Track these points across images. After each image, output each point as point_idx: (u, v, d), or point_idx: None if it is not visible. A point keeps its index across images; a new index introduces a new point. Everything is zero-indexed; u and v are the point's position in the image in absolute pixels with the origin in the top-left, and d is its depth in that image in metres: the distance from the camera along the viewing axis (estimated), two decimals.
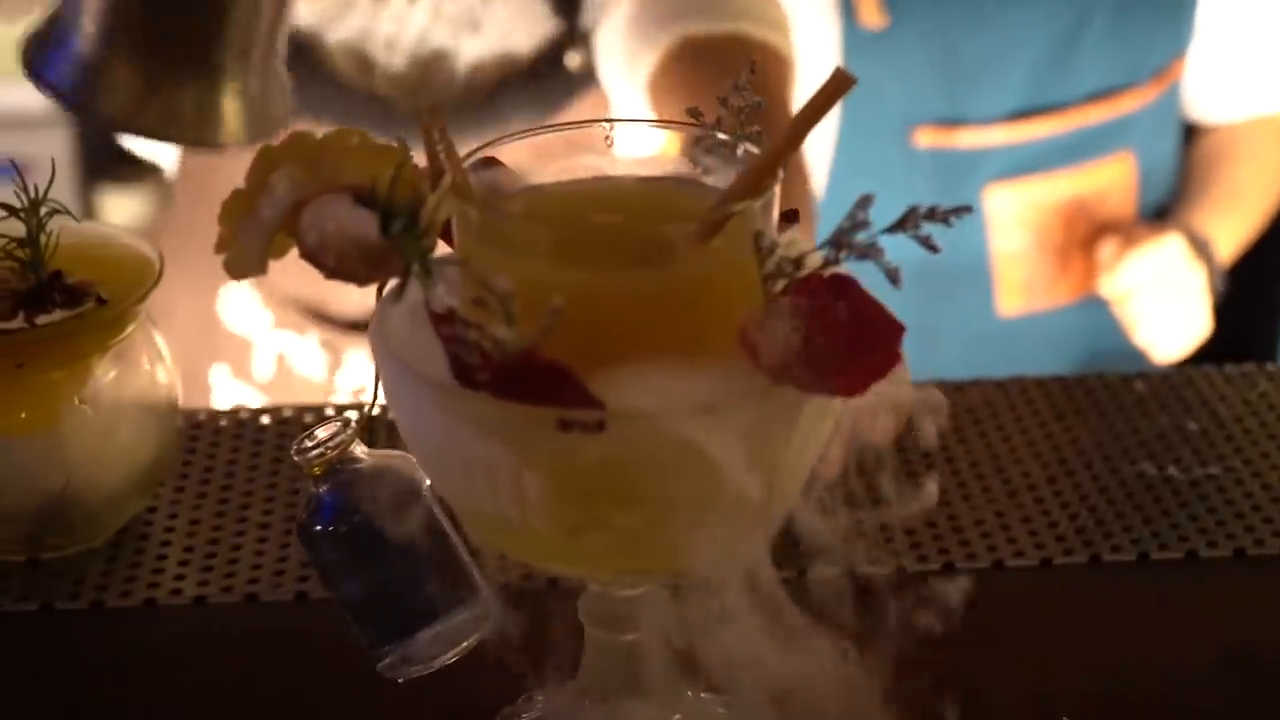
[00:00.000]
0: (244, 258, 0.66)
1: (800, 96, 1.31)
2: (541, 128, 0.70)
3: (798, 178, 1.27)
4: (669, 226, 0.64)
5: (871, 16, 1.63)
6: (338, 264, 0.64)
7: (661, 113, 1.28)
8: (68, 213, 0.88)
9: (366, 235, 0.63)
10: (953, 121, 1.66)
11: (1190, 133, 1.82)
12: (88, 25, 0.92)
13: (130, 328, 0.89)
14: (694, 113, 0.70)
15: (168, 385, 0.92)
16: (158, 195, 2.89)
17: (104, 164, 2.94)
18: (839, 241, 0.63)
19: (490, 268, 0.62)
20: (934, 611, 0.83)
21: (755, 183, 0.64)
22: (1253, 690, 0.82)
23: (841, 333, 0.62)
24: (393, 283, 0.66)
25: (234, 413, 1.03)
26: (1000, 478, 0.96)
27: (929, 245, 0.64)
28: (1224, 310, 1.72)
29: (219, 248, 0.66)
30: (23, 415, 0.88)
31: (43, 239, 0.87)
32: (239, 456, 0.99)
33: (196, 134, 0.94)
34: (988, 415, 1.02)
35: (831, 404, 0.64)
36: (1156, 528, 0.92)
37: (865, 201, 0.63)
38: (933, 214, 0.63)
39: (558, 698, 0.76)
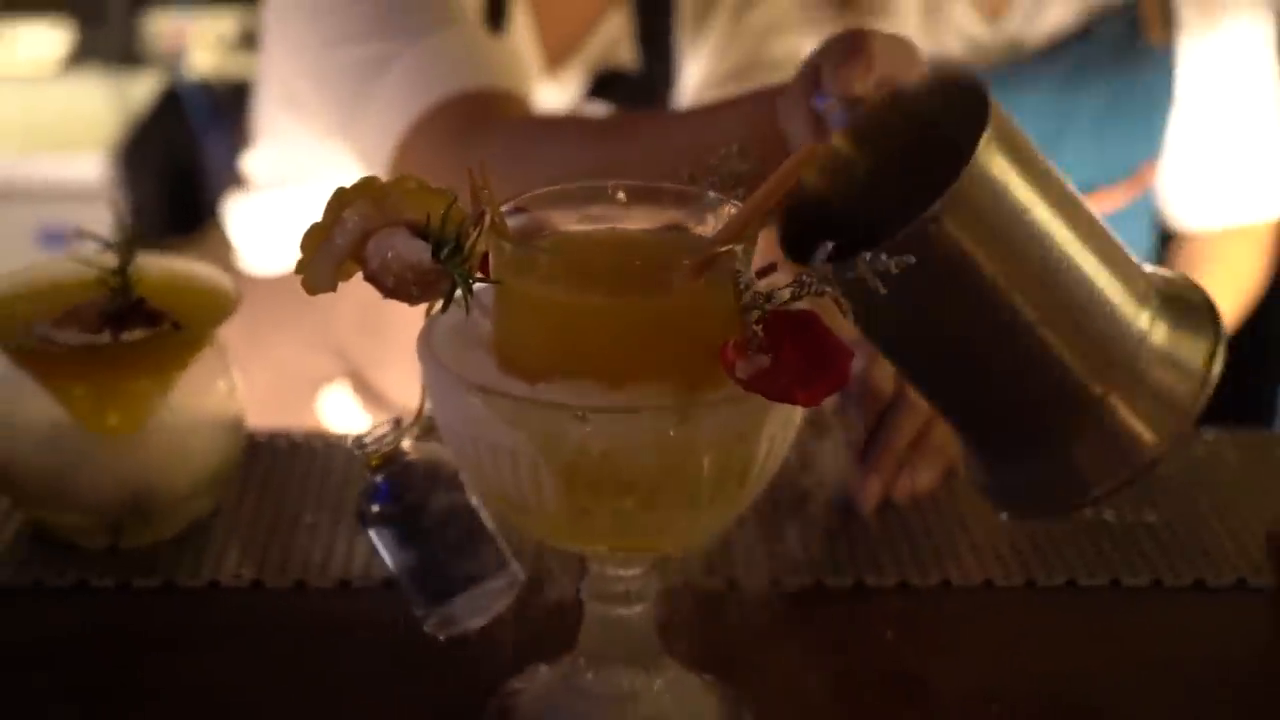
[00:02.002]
0: (318, 277, 0.80)
1: None
2: (568, 186, 0.84)
3: None
4: (668, 263, 0.79)
5: None
6: (395, 284, 0.79)
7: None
8: (156, 250, 1.03)
9: (421, 260, 0.77)
10: None
11: (1167, 239, 1.97)
12: None
13: (205, 350, 1.04)
14: (691, 178, 0.84)
15: (235, 403, 1.06)
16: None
17: (147, 237, 3.10)
18: (801, 282, 0.77)
19: (522, 293, 0.77)
20: (889, 621, 0.97)
21: (736, 232, 0.78)
22: (1165, 698, 0.94)
23: (802, 356, 0.76)
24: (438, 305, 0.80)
25: (287, 435, 1.18)
26: (954, 511, 1.10)
27: (877, 286, 0.78)
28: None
29: (298, 269, 0.81)
30: (112, 419, 1.02)
31: (132, 269, 1.02)
32: (292, 469, 1.13)
33: None
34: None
35: (793, 411, 0.78)
36: (1086, 559, 1.06)
37: (824, 250, 0.78)
38: (875, 260, 0.77)
39: (559, 668, 0.90)
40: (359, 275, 0.81)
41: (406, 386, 1.48)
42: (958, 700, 0.93)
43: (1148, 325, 0.86)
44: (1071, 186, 0.88)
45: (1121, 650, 0.99)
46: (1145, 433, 0.85)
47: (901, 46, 0.93)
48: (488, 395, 0.77)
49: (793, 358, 0.76)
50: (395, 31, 1.37)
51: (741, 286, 0.78)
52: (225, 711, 0.91)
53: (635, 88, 1.57)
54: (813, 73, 0.93)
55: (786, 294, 0.78)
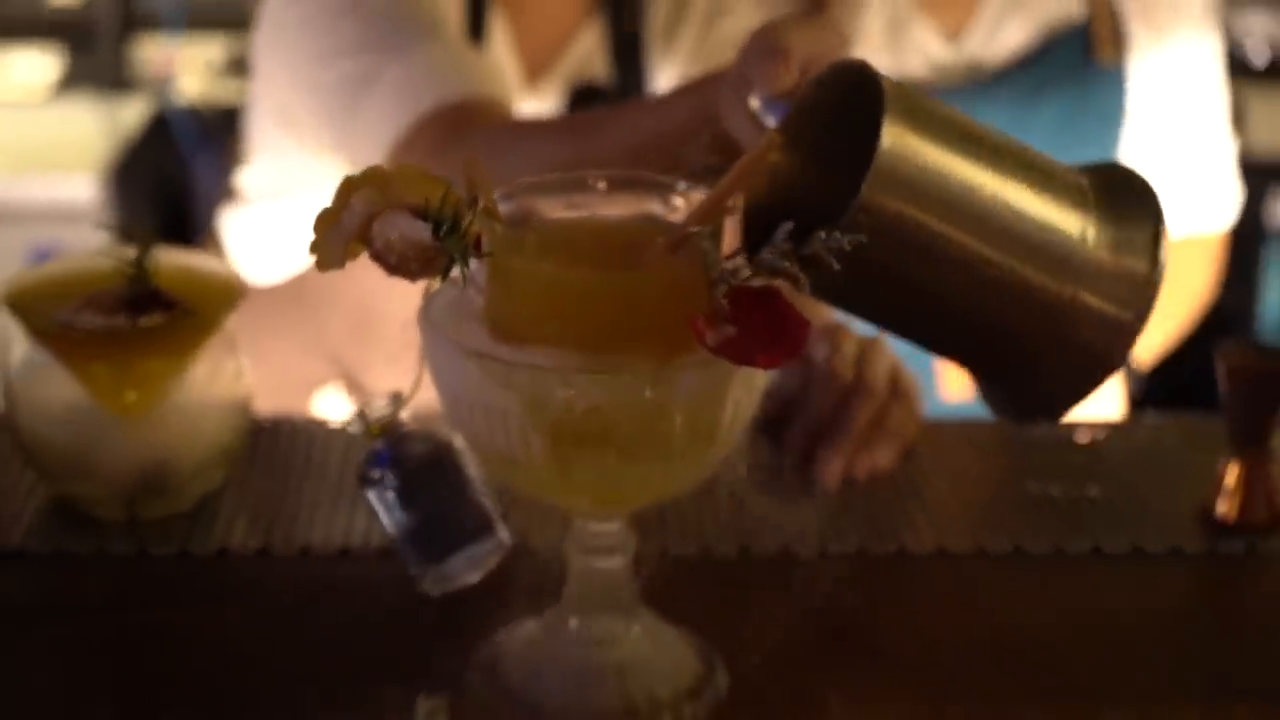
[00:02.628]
0: (328, 256, 0.89)
1: None
2: (553, 176, 0.93)
3: None
4: (644, 242, 0.87)
5: None
6: (398, 262, 0.87)
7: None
8: (172, 245, 1.11)
9: (421, 239, 0.86)
10: None
11: None
12: None
13: (215, 336, 1.12)
14: (667, 170, 0.93)
15: (243, 386, 1.15)
16: None
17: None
18: (760, 260, 0.86)
19: (512, 269, 0.86)
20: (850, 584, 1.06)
21: (705, 215, 0.87)
22: (1103, 653, 1.02)
23: (764, 325, 0.85)
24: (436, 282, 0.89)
25: (290, 420, 1.26)
26: (910, 485, 1.19)
27: (827, 265, 0.86)
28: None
29: (311, 249, 0.89)
30: (129, 399, 1.10)
31: (148, 261, 1.10)
32: (295, 449, 1.21)
33: None
34: (969, 445, 1.26)
35: (756, 376, 0.87)
36: (1032, 528, 1.14)
37: (783, 231, 0.86)
38: (829, 237, 0.86)
39: (545, 618, 0.98)
40: (355, 276, 0.90)
41: (396, 387, 1.56)
42: (913, 653, 1.01)
43: (1095, 223, 0.94)
44: (986, 125, 0.96)
45: (1063, 610, 1.07)
46: (1122, 312, 0.93)
47: (822, 32, 1.00)
48: (481, 359, 0.85)
49: (755, 327, 0.85)
50: (382, 46, 1.46)
51: (710, 265, 0.86)
52: (235, 663, 0.99)
53: (610, 100, 1.65)
54: (741, 72, 1.00)
55: (749, 272, 0.86)
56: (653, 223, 0.91)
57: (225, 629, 1.02)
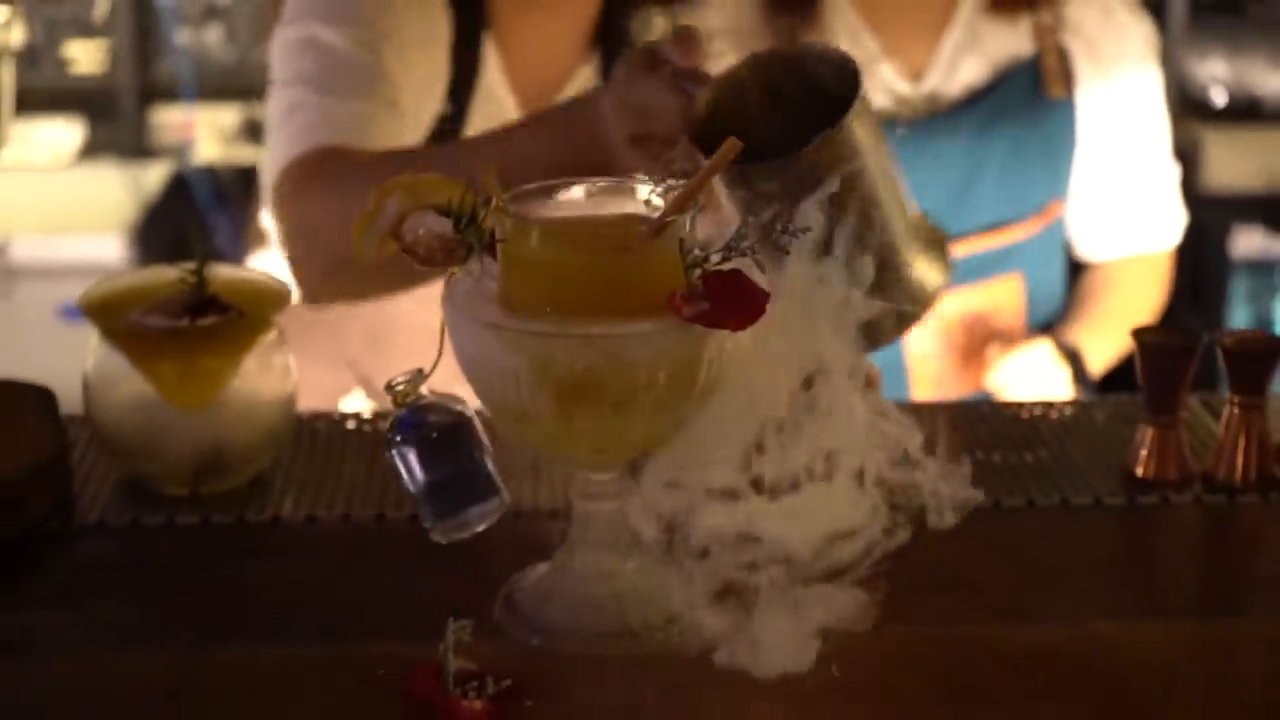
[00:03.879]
0: (366, 250, 1.07)
1: None
2: (552, 182, 1.11)
3: None
4: (630, 228, 1.05)
5: None
6: (426, 253, 1.06)
7: None
8: (214, 254, 1.29)
9: (445, 232, 1.04)
10: None
11: (1074, 264, 2.25)
12: None
13: (266, 335, 1.30)
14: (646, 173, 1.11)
15: (290, 379, 1.32)
16: None
17: None
18: (729, 247, 1.04)
19: (520, 255, 1.04)
20: None
21: (679, 207, 1.05)
22: (1034, 590, 1.19)
23: (731, 297, 1.03)
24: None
25: (330, 415, 1.44)
26: None
27: (784, 249, 1.05)
28: None
29: (353, 247, 1.07)
30: (190, 393, 1.28)
31: (206, 271, 1.28)
32: (334, 437, 1.39)
33: None
34: (920, 423, 1.40)
35: (726, 341, 1.04)
36: (1008, 487, 1.32)
37: (745, 224, 1.04)
38: (784, 230, 1.05)
39: (554, 560, 1.15)
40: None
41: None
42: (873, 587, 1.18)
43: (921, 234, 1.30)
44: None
45: (1002, 552, 1.24)
46: (930, 283, 1.27)
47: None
48: (496, 329, 1.03)
49: (725, 300, 1.03)
50: (317, 86, 1.64)
51: (685, 251, 1.04)
52: (287, 606, 1.16)
53: None
54: (648, 58, 1.24)
55: (719, 257, 1.04)
56: (636, 217, 1.09)
57: (279, 580, 1.20)
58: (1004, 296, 2.13)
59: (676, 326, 1.02)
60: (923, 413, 1.44)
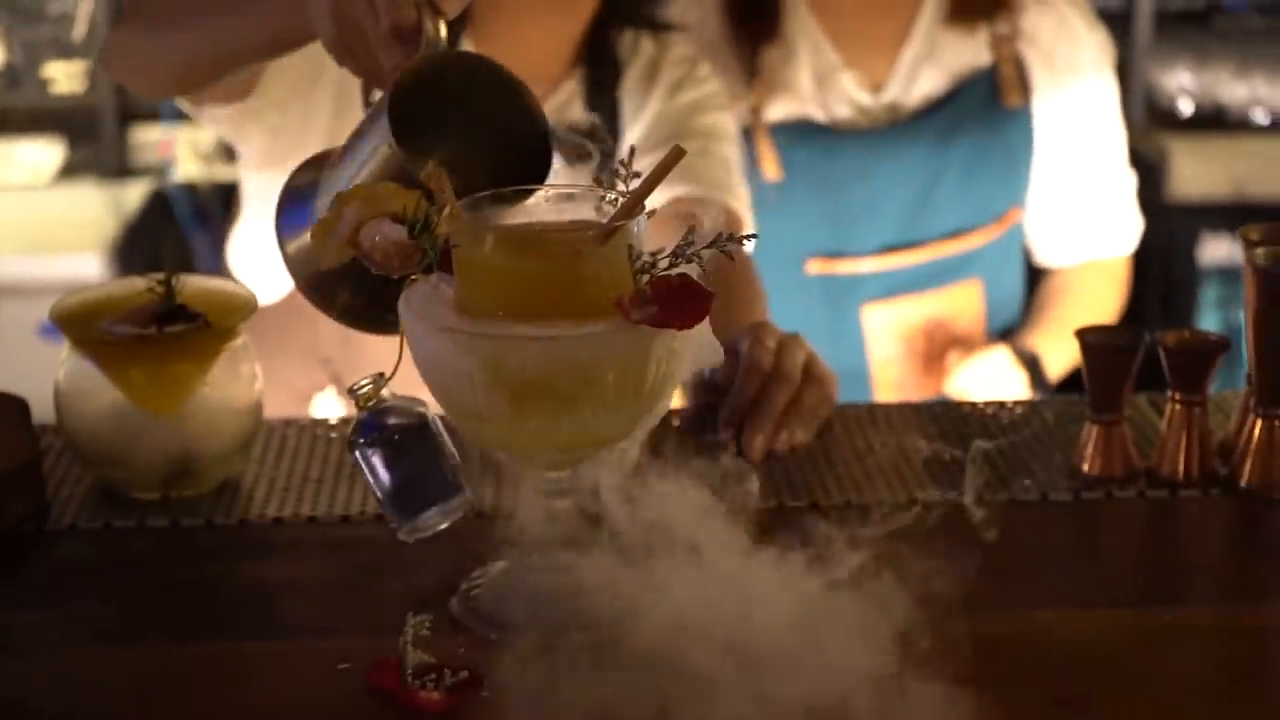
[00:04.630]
0: (325, 257, 1.11)
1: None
2: (506, 190, 1.15)
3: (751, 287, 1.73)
4: (580, 234, 1.09)
5: (770, 171, 2.12)
6: (382, 259, 1.09)
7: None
8: (193, 271, 1.33)
9: (400, 238, 1.08)
10: (836, 254, 2.15)
11: (1034, 270, 2.30)
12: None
13: (233, 343, 1.33)
14: (598, 181, 1.15)
15: (257, 387, 1.36)
16: None
17: None
18: (676, 253, 1.08)
19: (474, 261, 1.07)
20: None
21: (626, 213, 1.09)
22: (981, 580, 1.23)
23: (678, 299, 1.07)
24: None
25: (296, 421, 1.48)
26: (823, 454, 1.40)
27: (729, 255, 1.08)
28: None
29: (314, 251, 1.11)
30: (159, 399, 1.31)
31: (175, 281, 1.32)
32: (301, 443, 1.43)
33: None
34: (874, 423, 1.47)
35: (674, 341, 1.08)
36: (923, 483, 1.35)
37: (690, 230, 1.08)
38: (731, 239, 1.08)
39: (511, 556, 1.19)
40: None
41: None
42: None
43: None
44: None
45: (950, 545, 1.28)
46: None
47: None
48: (451, 333, 1.07)
49: (671, 301, 1.06)
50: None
51: (633, 257, 1.08)
52: (254, 603, 1.20)
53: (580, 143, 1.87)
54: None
55: (666, 263, 1.08)
56: (585, 223, 1.13)
57: (246, 579, 1.24)
58: (964, 302, 2.18)
59: (625, 328, 1.06)
60: (878, 412, 1.49)
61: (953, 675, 1.10)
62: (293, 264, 1.25)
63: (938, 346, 2.16)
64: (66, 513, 1.32)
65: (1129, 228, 2.29)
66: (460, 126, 1.24)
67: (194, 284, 1.34)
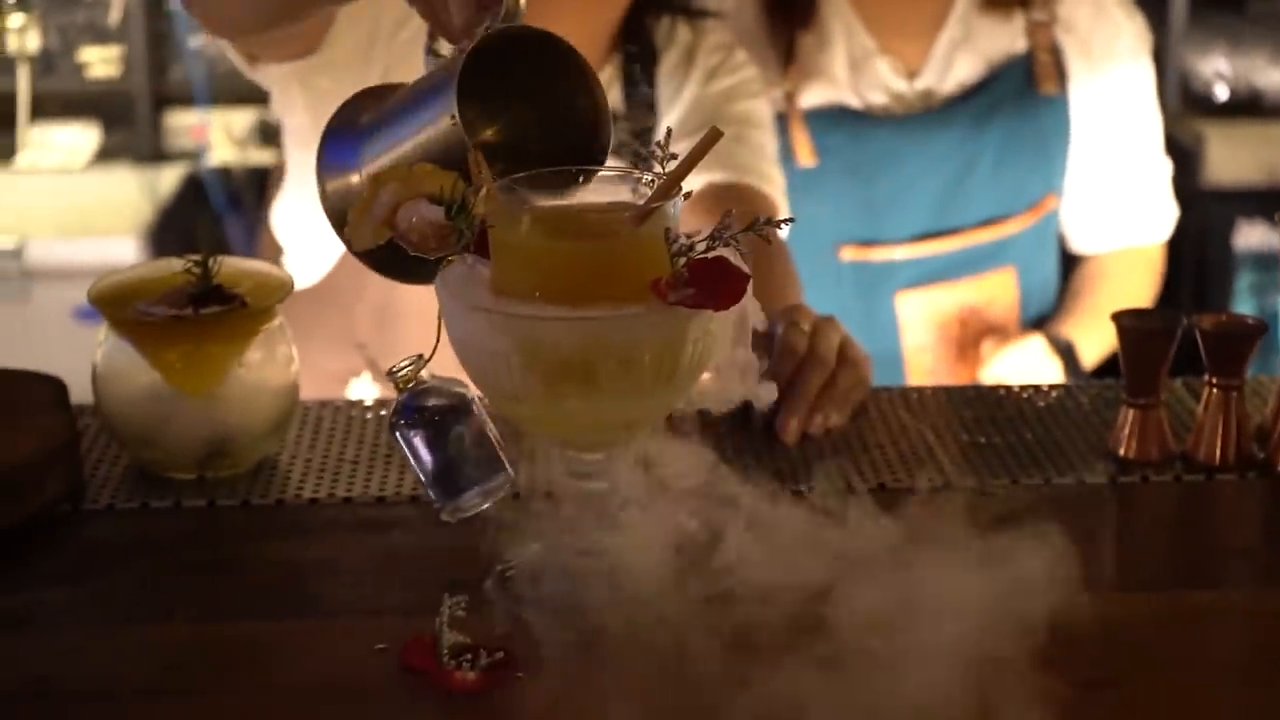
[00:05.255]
0: (362, 238, 1.11)
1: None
2: (541, 170, 1.15)
3: (786, 270, 1.73)
4: (616, 216, 1.09)
5: (805, 158, 2.12)
6: (419, 240, 1.09)
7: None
8: (230, 252, 1.33)
9: (437, 220, 1.08)
10: (870, 241, 2.15)
11: (1069, 258, 2.29)
12: None
13: (269, 324, 1.34)
14: (633, 163, 1.15)
15: (293, 369, 1.36)
16: None
17: None
18: (713, 237, 1.08)
19: (510, 242, 1.07)
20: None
21: (663, 194, 1.09)
22: (1015, 558, 1.22)
23: (714, 281, 1.07)
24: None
25: (332, 403, 1.48)
26: (858, 438, 1.40)
27: (766, 239, 1.08)
28: None
29: (347, 234, 1.11)
30: (199, 378, 1.32)
31: (211, 263, 1.32)
32: (336, 424, 1.43)
33: None
34: (909, 407, 1.47)
35: (710, 323, 1.08)
36: (959, 467, 1.35)
37: (728, 214, 1.08)
38: (768, 222, 1.08)
39: (546, 538, 1.19)
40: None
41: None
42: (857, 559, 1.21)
43: None
44: None
45: (983, 530, 1.28)
46: None
47: None
48: (487, 314, 1.07)
49: (707, 282, 1.06)
50: None
51: (671, 240, 1.08)
52: (289, 584, 1.20)
53: (619, 130, 1.87)
54: None
55: (703, 245, 1.08)
56: (622, 204, 1.13)
57: (281, 559, 1.24)
58: (998, 290, 2.18)
59: (661, 310, 1.06)
60: (912, 396, 1.48)
61: (983, 657, 1.10)
62: (328, 200, 1.24)
63: (971, 334, 2.16)
64: (103, 493, 1.32)
65: (1164, 215, 2.29)
66: (523, 103, 1.23)
67: (230, 265, 1.34)
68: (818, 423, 1.40)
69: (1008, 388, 1.53)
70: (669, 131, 1.14)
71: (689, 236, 1.09)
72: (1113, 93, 2.21)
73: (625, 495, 1.18)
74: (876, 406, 1.47)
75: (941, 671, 1.07)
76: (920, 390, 1.51)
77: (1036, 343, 2.13)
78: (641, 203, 1.12)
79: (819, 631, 1.11)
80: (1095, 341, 2.18)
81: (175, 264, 1.33)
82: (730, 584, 1.16)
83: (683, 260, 1.08)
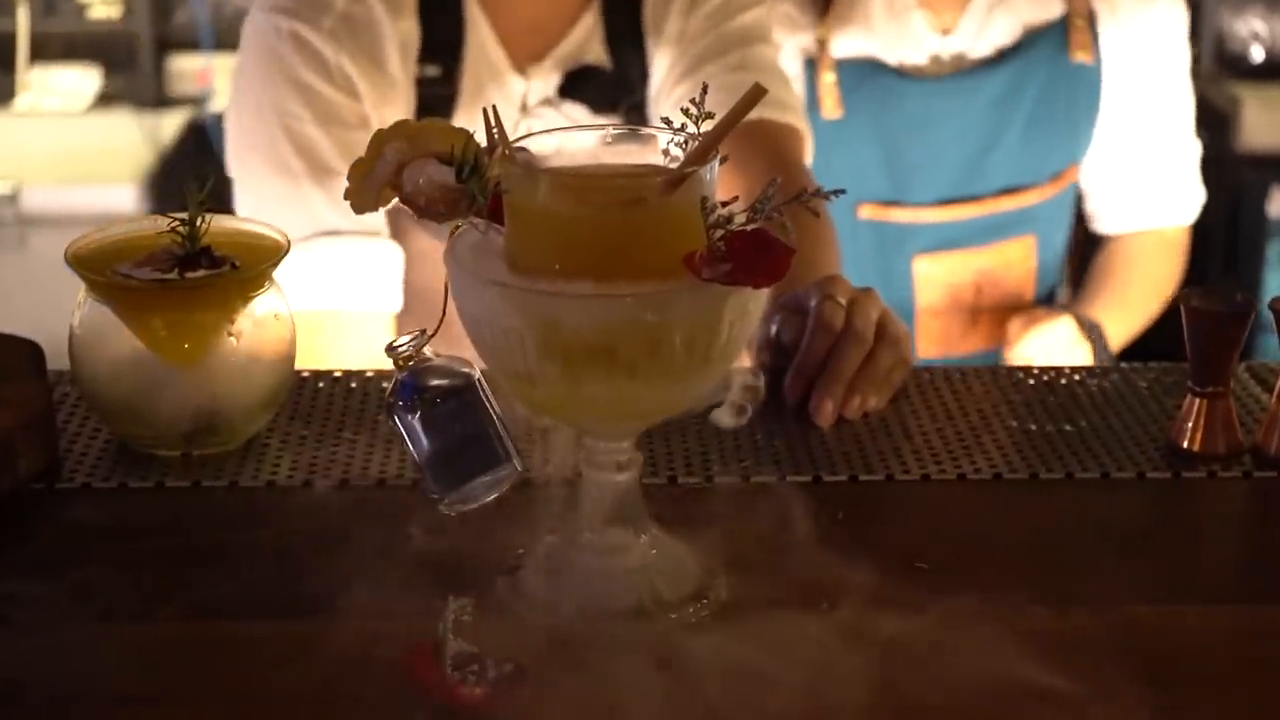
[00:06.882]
0: (363, 200, 1.00)
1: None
2: (563, 128, 1.04)
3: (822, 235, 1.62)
4: (644, 180, 0.98)
5: (831, 110, 2.02)
6: (426, 204, 0.98)
7: None
8: (223, 210, 1.22)
9: (447, 182, 0.97)
10: (891, 202, 2.07)
11: (1091, 238, 2.24)
12: None
13: (262, 290, 1.23)
14: (666, 121, 1.03)
15: (288, 336, 1.25)
16: None
17: None
18: (755, 208, 0.97)
19: (528, 208, 0.97)
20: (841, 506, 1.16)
21: (698, 158, 0.98)
22: (1072, 565, 1.13)
23: (753, 253, 0.96)
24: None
25: (329, 374, 1.37)
26: (898, 422, 1.29)
27: (814, 211, 0.98)
28: None
29: (347, 195, 1.00)
30: (185, 347, 1.21)
31: (199, 222, 1.21)
32: (334, 397, 1.33)
33: None
34: (953, 389, 1.36)
35: (748, 302, 0.97)
36: (1009, 458, 1.25)
37: (772, 183, 0.97)
38: (817, 193, 0.97)
39: (562, 532, 1.08)
40: None
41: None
42: (894, 562, 1.11)
43: None
44: None
45: (1037, 529, 1.18)
46: None
47: None
48: (502, 288, 0.96)
49: (747, 257, 0.95)
50: None
51: (708, 210, 0.97)
52: (280, 575, 1.09)
53: (608, 83, 1.77)
54: None
55: (743, 218, 0.97)
56: (653, 167, 1.02)
57: (270, 549, 1.13)
58: (1016, 258, 2.14)
59: (695, 286, 0.95)
60: (955, 377, 1.38)
61: (1034, 679, 1.00)
62: None
63: (986, 302, 2.12)
64: (80, 470, 1.22)
65: (1191, 198, 2.24)
66: None
67: (221, 224, 1.24)
68: (854, 406, 1.30)
69: (1058, 369, 1.42)
70: (705, 87, 1.03)
71: (724, 203, 0.99)
72: (1145, 67, 2.15)
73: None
74: (917, 387, 1.36)
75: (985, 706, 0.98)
76: (964, 372, 1.40)
77: (1066, 323, 2.08)
78: (674, 166, 1.01)
79: (861, 637, 1.01)
80: (1122, 323, 2.15)
81: (160, 222, 1.22)
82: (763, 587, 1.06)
83: (719, 233, 0.97)
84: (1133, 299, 2.19)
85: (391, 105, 1.72)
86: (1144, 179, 2.20)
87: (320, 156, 1.68)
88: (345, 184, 1.61)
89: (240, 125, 1.76)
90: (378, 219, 1.70)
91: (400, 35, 1.73)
